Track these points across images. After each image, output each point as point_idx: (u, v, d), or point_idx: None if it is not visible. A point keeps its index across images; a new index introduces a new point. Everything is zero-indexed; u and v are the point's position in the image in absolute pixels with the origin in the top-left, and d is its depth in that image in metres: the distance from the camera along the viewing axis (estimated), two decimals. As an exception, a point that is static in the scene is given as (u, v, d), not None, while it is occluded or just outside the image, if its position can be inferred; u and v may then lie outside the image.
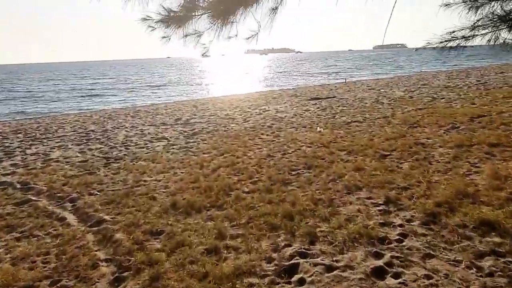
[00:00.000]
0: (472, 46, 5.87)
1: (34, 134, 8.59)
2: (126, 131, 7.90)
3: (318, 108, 9.41)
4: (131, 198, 3.75)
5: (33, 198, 3.93)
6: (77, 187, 4.12)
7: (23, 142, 7.38)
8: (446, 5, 5.33)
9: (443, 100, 9.44)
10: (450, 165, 4.12)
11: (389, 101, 9.99)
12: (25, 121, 12.18)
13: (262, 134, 6.63)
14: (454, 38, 5.48)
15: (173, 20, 3.55)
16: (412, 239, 2.61)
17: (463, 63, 38.73)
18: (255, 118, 8.34)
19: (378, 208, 3.16)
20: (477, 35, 5.38)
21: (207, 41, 3.68)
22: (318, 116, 8.19)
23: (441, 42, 5.47)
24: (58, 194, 4.01)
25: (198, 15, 3.42)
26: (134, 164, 5.04)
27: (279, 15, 3.70)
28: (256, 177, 4.20)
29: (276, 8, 3.56)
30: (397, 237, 2.65)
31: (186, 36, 3.56)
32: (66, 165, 5.24)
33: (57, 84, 34.04)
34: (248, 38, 3.60)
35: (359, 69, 38.26)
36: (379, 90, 14.39)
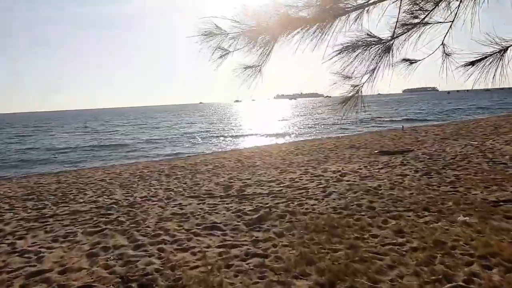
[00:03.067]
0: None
1: (45, 203, 6.68)
2: (159, 206, 5.72)
3: (417, 171, 6.86)
4: None
5: None
6: None
7: (22, 222, 5.37)
8: None
9: None
10: None
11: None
12: (46, 178, 10.50)
13: (370, 225, 4.17)
14: None
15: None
16: None
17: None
18: (338, 189, 5.92)
19: None
20: None
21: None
22: (431, 188, 5.64)
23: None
24: None
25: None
26: (173, 307, 2.70)
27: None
28: None
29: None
30: None
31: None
32: (57, 295, 3.01)
33: (87, 133, 33.90)
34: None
35: (403, 115, 35.53)
36: (457, 139, 11.68)
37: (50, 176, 11.07)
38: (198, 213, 5.15)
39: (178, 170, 10.07)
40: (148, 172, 10.09)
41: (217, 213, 5.09)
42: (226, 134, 24.49)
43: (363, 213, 4.58)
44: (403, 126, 19.46)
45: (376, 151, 10.78)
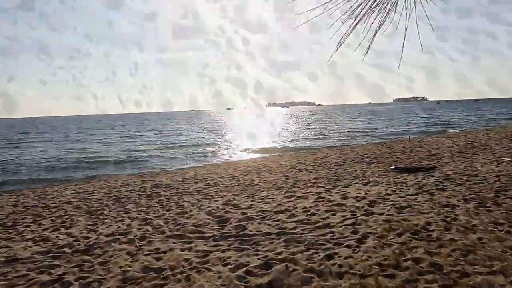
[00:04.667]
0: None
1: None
2: (128, 253, 4.10)
3: (466, 200, 5.35)
4: None
5: None
6: None
7: None
8: None
9: None
10: None
11: None
12: (3, 199, 8.76)
13: (453, 306, 2.63)
14: None
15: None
16: None
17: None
18: (373, 227, 4.37)
19: None
20: None
21: None
22: (502, 229, 4.13)
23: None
24: None
25: None
26: None
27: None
28: None
29: None
30: None
31: None
32: None
33: (67, 141, 32.03)
34: None
35: (401, 124, 34.52)
36: (477, 153, 10.31)
37: (9, 195, 9.32)
38: (181, 268, 3.55)
39: (162, 189, 8.47)
40: (126, 191, 8.45)
41: (209, 269, 3.49)
42: (218, 144, 22.89)
43: (428, 279, 3.04)
44: (409, 137, 18.15)
45: (392, 167, 9.36)
